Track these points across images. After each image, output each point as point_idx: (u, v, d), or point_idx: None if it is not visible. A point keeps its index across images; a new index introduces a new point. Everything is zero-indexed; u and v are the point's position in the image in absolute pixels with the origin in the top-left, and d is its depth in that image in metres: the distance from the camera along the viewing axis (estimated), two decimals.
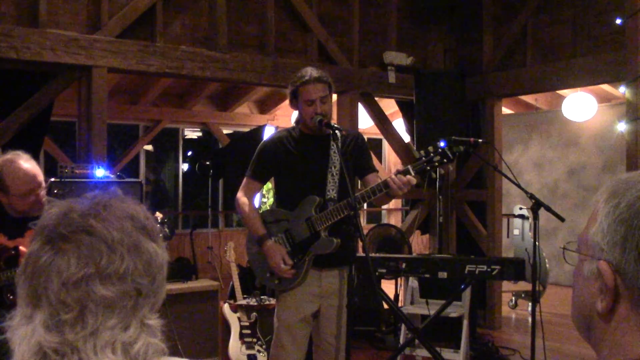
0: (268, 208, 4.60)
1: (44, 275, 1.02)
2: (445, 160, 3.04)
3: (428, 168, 3.04)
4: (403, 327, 4.90)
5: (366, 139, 3.47)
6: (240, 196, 3.27)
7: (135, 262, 1.05)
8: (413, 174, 3.01)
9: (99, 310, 1.01)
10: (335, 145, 3.14)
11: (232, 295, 5.07)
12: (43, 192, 2.92)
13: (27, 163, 2.85)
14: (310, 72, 3.12)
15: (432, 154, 3.03)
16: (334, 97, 7.02)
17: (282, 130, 3.35)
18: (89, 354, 1.00)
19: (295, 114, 3.36)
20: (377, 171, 3.36)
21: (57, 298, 1.00)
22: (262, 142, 3.33)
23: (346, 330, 3.24)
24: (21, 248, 2.82)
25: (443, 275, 4.19)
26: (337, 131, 3.07)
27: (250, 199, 3.29)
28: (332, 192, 3.16)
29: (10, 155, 2.87)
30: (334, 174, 3.17)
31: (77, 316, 1.00)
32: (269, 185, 6.85)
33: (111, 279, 1.02)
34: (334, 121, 3.43)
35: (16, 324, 1.03)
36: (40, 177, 2.89)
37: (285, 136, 3.24)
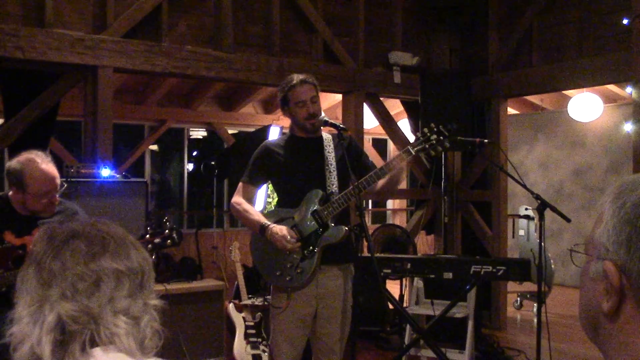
0: (272, 208, 4.59)
1: (58, 257, 1.12)
2: (441, 137, 3.18)
3: (427, 146, 3.20)
4: (408, 327, 4.89)
5: (371, 140, 3.56)
6: (235, 199, 3.32)
7: (137, 252, 1.21)
8: (414, 153, 3.21)
9: (112, 281, 1.13)
10: (332, 143, 3.25)
11: (237, 295, 5.07)
12: (57, 195, 3.00)
13: (47, 165, 2.94)
14: (296, 76, 3.26)
15: (428, 134, 3.20)
16: (339, 97, 7.04)
17: (273, 139, 3.48)
18: (106, 318, 1.10)
19: None
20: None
21: (72, 272, 1.11)
22: (257, 149, 3.39)
23: (350, 331, 3.25)
24: (29, 247, 2.84)
25: (448, 275, 4.18)
26: (341, 130, 3.17)
27: (246, 200, 3.31)
28: (332, 186, 3.22)
29: (32, 155, 2.95)
30: (331, 170, 3.24)
31: (93, 286, 1.12)
32: None
33: (120, 257, 1.16)
34: (338, 121, 3.50)
35: (26, 314, 1.11)
36: (58, 180, 2.98)
37: (277, 143, 3.34)
